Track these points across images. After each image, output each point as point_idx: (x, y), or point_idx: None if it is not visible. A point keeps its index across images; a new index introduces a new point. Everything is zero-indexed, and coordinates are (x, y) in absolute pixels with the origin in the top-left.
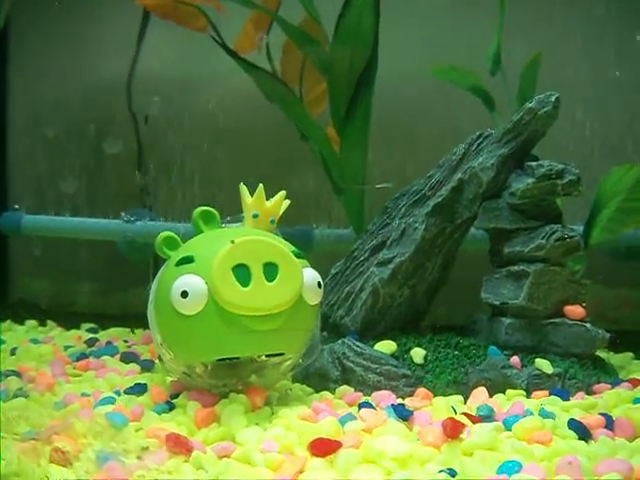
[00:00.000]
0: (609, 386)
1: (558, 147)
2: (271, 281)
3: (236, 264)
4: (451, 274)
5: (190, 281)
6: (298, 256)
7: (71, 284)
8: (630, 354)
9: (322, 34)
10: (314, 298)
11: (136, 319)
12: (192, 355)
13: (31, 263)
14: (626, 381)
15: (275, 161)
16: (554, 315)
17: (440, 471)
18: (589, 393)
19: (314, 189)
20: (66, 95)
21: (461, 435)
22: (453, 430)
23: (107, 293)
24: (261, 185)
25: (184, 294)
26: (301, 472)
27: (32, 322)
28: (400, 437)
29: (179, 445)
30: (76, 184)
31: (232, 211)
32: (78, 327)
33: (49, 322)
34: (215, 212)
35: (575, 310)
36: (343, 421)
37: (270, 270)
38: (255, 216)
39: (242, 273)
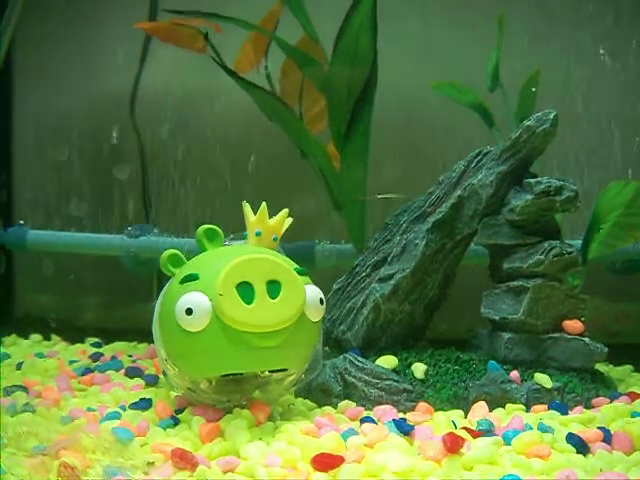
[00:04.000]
0: (608, 400)
1: (557, 163)
2: (274, 298)
3: (240, 282)
4: (453, 289)
5: (194, 298)
6: (301, 273)
7: (76, 299)
8: (630, 367)
9: (321, 53)
10: (316, 315)
11: (140, 334)
12: (196, 371)
13: (36, 278)
14: (625, 395)
15: (277, 178)
16: (553, 330)
17: None
18: (588, 407)
19: (316, 206)
20: (71, 111)
21: (461, 449)
22: (453, 445)
23: (112, 308)
24: (264, 203)
25: (189, 311)
26: None
27: (37, 336)
28: (401, 452)
29: (184, 460)
30: (81, 200)
31: (235, 228)
32: (82, 341)
33: (54, 336)
34: (219, 230)
35: (574, 325)
36: (345, 436)
37: (273, 287)
38: (258, 234)
39: (246, 290)
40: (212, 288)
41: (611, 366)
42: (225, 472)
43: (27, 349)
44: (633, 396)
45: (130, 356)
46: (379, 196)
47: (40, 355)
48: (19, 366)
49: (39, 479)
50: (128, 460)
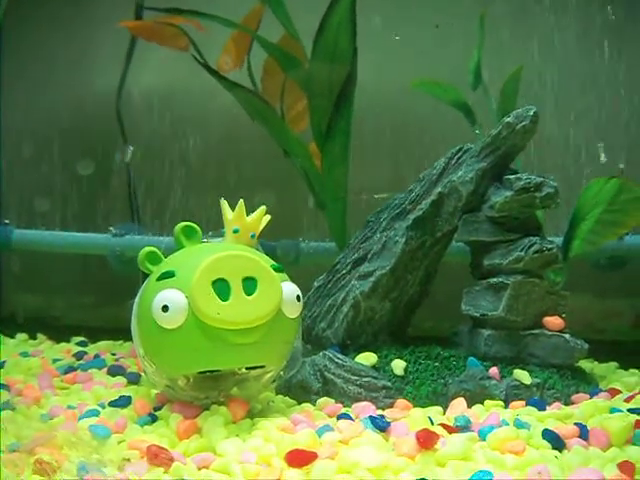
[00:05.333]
0: (587, 396)
1: (539, 160)
2: (250, 295)
3: (216, 278)
4: (437, 286)
5: (171, 295)
6: (277, 270)
7: (62, 298)
8: (614, 364)
9: (301, 52)
10: (293, 311)
11: (127, 332)
12: (174, 368)
13: (22, 277)
14: (605, 391)
15: (262, 177)
16: (533, 326)
17: None
18: (567, 403)
19: (300, 204)
20: (57, 111)
21: (436, 445)
22: (426, 441)
23: (98, 306)
24: (241, 200)
25: (165, 308)
26: None
27: (22, 335)
28: (376, 448)
29: (159, 457)
30: (66, 199)
31: (217, 225)
32: (68, 340)
33: (39, 335)
34: (197, 227)
35: (554, 321)
36: (320, 432)
37: (249, 284)
38: (236, 231)
39: (222, 287)
40: (188, 285)
41: (596, 363)
42: (200, 469)
43: (12, 348)
44: (613, 392)
45: (113, 354)
46: (376, 196)
47: (25, 354)
48: (2, 365)
49: (10, 475)
50: (102, 456)
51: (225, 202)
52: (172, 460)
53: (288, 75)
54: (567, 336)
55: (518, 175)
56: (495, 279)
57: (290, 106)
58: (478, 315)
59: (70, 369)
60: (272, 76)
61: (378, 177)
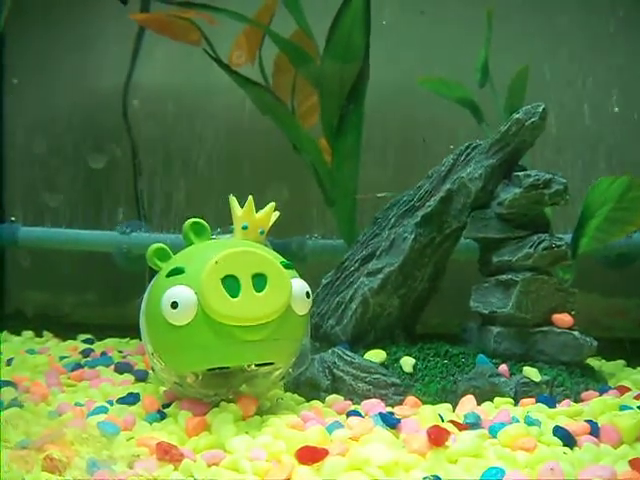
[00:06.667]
0: (597, 393)
1: (547, 157)
2: (260, 291)
3: (225, 275)
4: (444, 283)
5: (180, 292)
6: (287, 267)
7: (68, 295)
8: (622, 361)
9: (313, 47)
10: (303, 308)
11: (134, 330)
12: (182, 365)
13: (28, 274)
14: (614, 388)
15: (269, 172)
16: (542, 323)
17: (424, 478)
18: (577, 400)
19: (309, 201)
20: (63, 107)
21: (447, 442)
22: (437, 438)
23: (105, 304)
24: (250, 197)
25: (174, 305)
26: None
27: (28, 333)
28: (386, 445)
29: (169, 453)
30: (73, 196)
31: (226, 222)
32: (74, 338)
33: (45, 333)
34: (205, 224)
35: (563, 318)
36: (330, 429)
37: (259, 281)
38: (245, 227)
39: (231, 284)
40: (198, 282)
41: (603, 361)
42: (210, 466)
43: (19, 345)
44: (622, 390)
45: (120, 352)
46: (379, 195)
47: (31, 351)
48: (9, 362)
49: (19, 471)
50: (112, 453)
51: (234, 198)
52: (182, 457)
53: (299, 71)
54: (576, 333)
55: (527, 172)
56: (504, 276)
57: (301, 102)
58: (487, 312)
59: (77, 366)
60: (283, 71)
61: (387, 174)
